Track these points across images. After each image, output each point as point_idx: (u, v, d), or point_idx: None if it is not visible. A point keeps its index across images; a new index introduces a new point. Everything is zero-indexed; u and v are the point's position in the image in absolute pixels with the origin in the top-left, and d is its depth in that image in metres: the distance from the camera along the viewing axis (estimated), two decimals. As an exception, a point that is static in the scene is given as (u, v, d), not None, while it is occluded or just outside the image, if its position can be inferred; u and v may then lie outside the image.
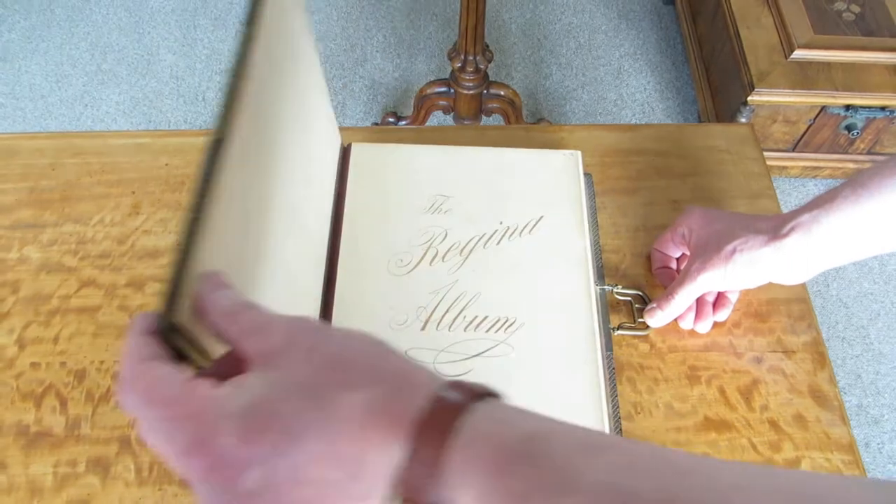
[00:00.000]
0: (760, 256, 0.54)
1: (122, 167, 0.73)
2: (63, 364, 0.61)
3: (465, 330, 0.57)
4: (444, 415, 0.28)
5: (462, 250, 0.62)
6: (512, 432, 0.27)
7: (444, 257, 0.62)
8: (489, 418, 0.28)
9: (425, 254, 0.62)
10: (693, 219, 0.59)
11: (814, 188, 1.66)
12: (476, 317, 0.58)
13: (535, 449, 0.27)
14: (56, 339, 0.62)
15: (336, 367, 0.29)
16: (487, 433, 0.27)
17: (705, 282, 0.56)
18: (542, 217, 0.64)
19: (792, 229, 0.53)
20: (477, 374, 0.55)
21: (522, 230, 0.64)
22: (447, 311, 0.58)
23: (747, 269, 0.54)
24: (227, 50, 1.91)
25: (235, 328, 0.31)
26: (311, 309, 0.57)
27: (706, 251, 0.56)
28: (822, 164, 1.60)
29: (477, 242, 0.63)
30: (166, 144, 0.75)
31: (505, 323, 0.58)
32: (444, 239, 0.63)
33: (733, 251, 0.54)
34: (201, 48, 1.92)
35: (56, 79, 1.86)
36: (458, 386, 0.30)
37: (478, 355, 0.56)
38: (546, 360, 0.56)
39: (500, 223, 0.64)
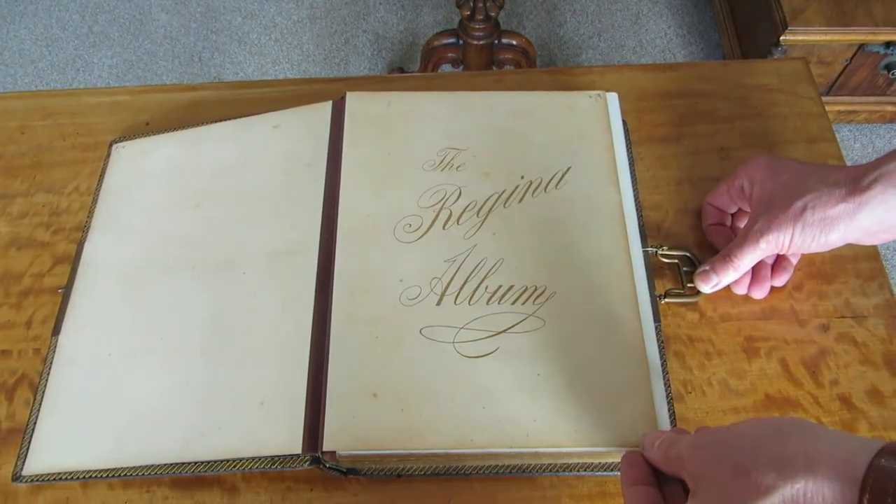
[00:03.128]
0: (837, 214, 0.45)
1: (99, 128, 0.65)
2: (37, 351, 0.54)
3: (487, 303, 0.50)
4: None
5: (479, 210, 0.55)
6: None
7: (458, 219, 0.54)
8: None
9: (437, 216, 0.54)
10: (755, 168, 0.50)
11: (849, 134, 1.56)
12: (500, 287, 0.50)
13: None
14: (29, 324, 0.55)
15: (741, 475, 0.33)
16: None
17: (769, 244, 0.48)
18: (569, 168, 0.56)
19: (875, 180, 0.44)
20: (504, 352, 0.48)
21: (548, 185, 0.56)
22: (466, 281, 0.51)
23: (820, 229, 0.46)
24: (223, 7, 1.82)
25: (665, 465, 0.39)
26: (306, 294, 0.51)
27: (771, 208, 0.48)
28: (858, 107, 1.50)
29: (496, 201, 0.55)
30: (148, 101, 0.67)
31: (534, 293, 0.50)
32: (457, 198, 0.55)
33: (803, 208, 0.46)
34: (195, 6, 1.82)
35: (46, 43, 1.78)
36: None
37: (504, 331, 0.48)
38: (585, 334, 0.48)
39: (522, 178, 0.56)
